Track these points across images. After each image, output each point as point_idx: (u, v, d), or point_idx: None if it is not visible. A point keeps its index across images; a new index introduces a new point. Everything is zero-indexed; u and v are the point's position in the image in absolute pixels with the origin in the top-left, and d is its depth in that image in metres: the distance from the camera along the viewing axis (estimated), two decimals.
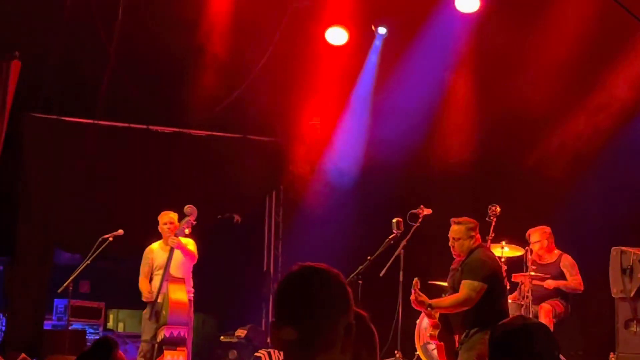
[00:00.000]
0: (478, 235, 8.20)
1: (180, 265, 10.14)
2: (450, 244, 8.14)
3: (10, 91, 11.83)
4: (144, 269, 10.38)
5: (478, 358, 7.78)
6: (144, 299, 10.23)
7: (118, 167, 13.37)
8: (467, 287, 7.87)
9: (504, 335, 3.32)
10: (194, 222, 10.11)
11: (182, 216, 10.23)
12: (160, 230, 10.40)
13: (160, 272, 10.11)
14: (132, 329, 13.37)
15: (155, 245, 10.47)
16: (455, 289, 8.03)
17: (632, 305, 8.75)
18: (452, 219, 8.25)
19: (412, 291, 7.96)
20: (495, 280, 8.01)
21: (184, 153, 13.81)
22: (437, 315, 7.99)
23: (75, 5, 11.74)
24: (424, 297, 7.91)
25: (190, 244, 10.29)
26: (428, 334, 8.06)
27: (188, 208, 10.08)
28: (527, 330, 3.28)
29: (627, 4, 7.50)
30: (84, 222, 12.75)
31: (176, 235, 10.08)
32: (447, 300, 7.96)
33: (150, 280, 10.30)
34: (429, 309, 7.88)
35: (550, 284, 10.52)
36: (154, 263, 10.33)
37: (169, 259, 10.01)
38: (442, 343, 7.98)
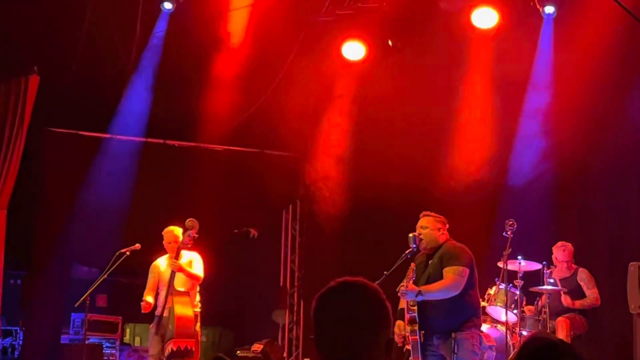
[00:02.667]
0: (446, 232, 8.31)
1: (184, 279, 10.13)
2: (417, 233, 8.23)
3: (29, 106, 11.90)
4: (149, 283, 10.36)
5: (471, 355, 7.92)
6: (153, 310, 10.19)
7: (135, 181, 13.39)
8: (453, 272, 7.97)
9: (530, 354, 3.29)
10: (196, 236, 10.09)
11: (185, 230, 10.22)
12: (164, 245, 10.42)
13: (166, 286, 10.11)
14: (148, 343, 13.38)
15: (161, 260, 10.48)
16: (430, 281, 8.04)
17: None
18: (422, 213, 8.39)
19: (405, 279, 7.97)
20: (473, 268, 8.13)
21: (201, 167, 13.81)
22: (416, 308, 7.99)
23: (93, 20, 11.80)
24: (412, 286, 7.93)
25: (195, 260, 10.27)
26: (407, 331, 8.05)
27: (190, 222, 10.06)
28: (553, 348, 3.25)
29: None
30: (101, 236, 12.77)
31: (179, 250, 10.09)
32: (435, 286, 7.96)
33: (157, 294, 10.30)
34: (418, 295, 7.88)
35: (567, 301, 10.51)
36: (160, 278, 10.32)
37: (173, 274, 10.01)
38: (416, 338, 7.99)
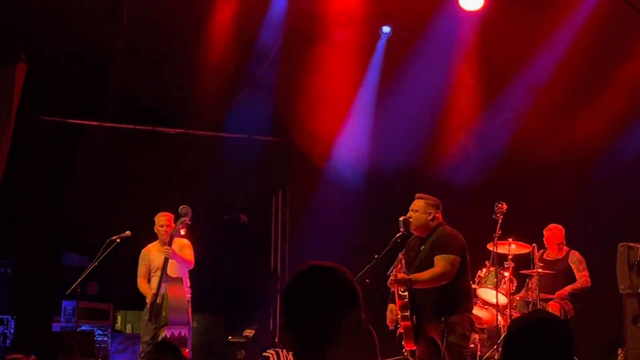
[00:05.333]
0: (440, 215, 8.30)
1: (177, 266, 10.16)
2: (408, 215, 8.23)
3: (17, 94, 11.87)
4: (141, 270, 10.39)
5: (461, 339, 7.96)
6: (148, 300, 10.21)
7: (125, 168, 13.39)
8: (444, 260, 7.99)
9: (522, 329, 3.32)
10: (189, 222, 10.10)
11: (177, 217, 10.24)
12: (156, 231, 10.42)
13: (158, 273, 10.10)
14: (140, 330, 13.39)
15: (152, 247, 10.48)
16: (422, 267, 8.07)
17: (639, 300, 8.73)
18: (417, 194, 8.38)
19: (395, 269, 8.00)
20: (465, 255, 8.15)
21: (190, 154, 13.83)
22: (407, 294, 8.01)
23: (80, 7, 11.75)
24: (403, 275, 7.96)
25: (186, 247, 10.29)
26: (399, 316, 8.08)
27: (183, 208, 10.07)
28: (546, 323, 3.27)
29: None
30: (91, 223, 12.77)
31: (172, 236, 10.09)
32: (426, 274, 7.97)
33: (148, 281, 10.31)
34: (408, 283, 7.90)
35: (561, 294, 10.57)
36: (151, 264, 10.34)
37: (166, 260, 10.01)
38: (408, 323, 8.02)
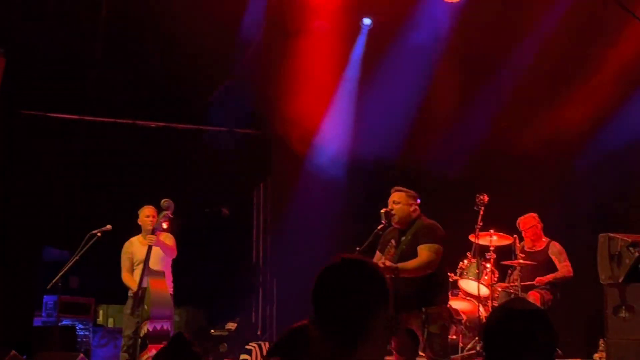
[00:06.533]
0: (418, 207, 8.33)
1: (159, 259, 10.13)
2: (389, 208, 8.24)
3: None
4: (124, 264, 10.37)
5: (442, 329, 8.04)
6: (131, 294, 10.18)
7: (106, 162, 13.34)
8: (428, 249, 8.02)
9: (502, 318, 3.31)
10: (172, 216, 10.08)
11: (160, 210, 10.21)
12: (140, 223, 10.39)
13: (141, 266, 10.09)
14: (122, 324, 13.36)
15: (134, 239, 10.46)
16: (403, 257, 8.06)
17: (620, 291, 8.77)
18: (393, 188, 8.39)
19: (388, 254, 8.00)
20: (444, 244, 8.20)
21: (171, 147, 13.79)
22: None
23: (60, 1, 11.69)
24: (390, 263, 7.97)
25: (168, 239, 10.27)
26: None
27: (165, 202, 10.05)
28: (524, 313, 3.27)
29: None
30: (72, 218, 12.73)
31: (154, 230, 10.07)
32: (412, 263, 7.99)
33: (131, 274, 10.28)
34: (395, 272, 7.92)
35: (541, 280, 10.60)
36: (134, 257, 10.31)
37: (148, 253, 9.99)
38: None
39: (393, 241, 8.10)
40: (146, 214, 10.33)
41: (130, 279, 10.24)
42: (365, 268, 2.97)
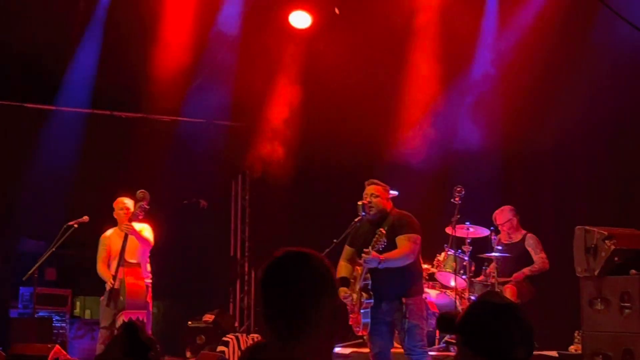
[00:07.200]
0: (390, 200, 8.44)
1: (135, 250, 10.08)
2: (366, 201, 8.30)
3: None
4: (101, 255, 10.29)
5: (420, 320, 8.14)
6: (108, 286, 10.14)
7: (82, 153, 13.28)
8: (407, 240, 8.13)
9: (477, 312, 3.32)
10: (147, 207, 10.02)
11: (136, 202, 10.17)
12: (115, 216, 10.32)
13: (117, 258, 10.05)
14: (99, 315, 13.32)
15: (111, 232, 10.40)
16: (380, 249, 8.10)
17: (596, 283, 8.78)
18: (368, 181, 8.44)
19: (378, 244, 8.03)
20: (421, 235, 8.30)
21: (148, 138, 13.74)
22: (369, 276, 8.11)
23: None
24: (375, 254, 8.00)
25: (146, 230, 10.22)
26: (364, 297, 8.14)
27: (140, 193, 9.98)
28: (500, 307, 3.27)
29: None
30: (48, 209, 12.66)
31: (130, 221, 10.03)
32: (395, 254, 8.07)
33: (108, 266, 10.24)
34: (381, 263, 7.96)
35: (517, 277, 10.63)
36: (111, 249, 10.26)
37: (124, 245, 9.94)
38: (370, 304, 8.12)
39: (382, 229, 8.10)
40: (120, 207, 10.26)
41: (106, 272, 10.17)
42: (309, 259, 3.00)
